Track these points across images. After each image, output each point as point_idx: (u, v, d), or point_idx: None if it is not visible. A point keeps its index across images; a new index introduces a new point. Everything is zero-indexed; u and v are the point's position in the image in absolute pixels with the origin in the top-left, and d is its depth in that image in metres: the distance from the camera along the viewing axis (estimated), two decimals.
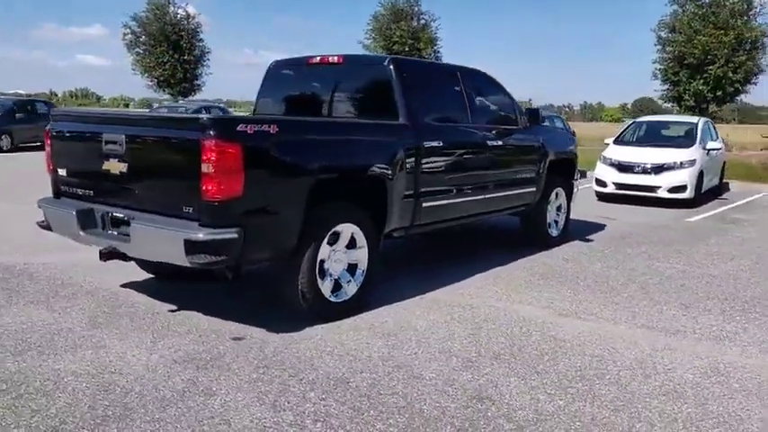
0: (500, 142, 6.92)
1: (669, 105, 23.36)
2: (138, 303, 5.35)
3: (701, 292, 6.30)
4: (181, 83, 34.06)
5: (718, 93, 21.26)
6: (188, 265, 4.33)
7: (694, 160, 12.14)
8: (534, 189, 7.64)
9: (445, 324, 5.12)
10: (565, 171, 8.29)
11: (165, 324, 4.87)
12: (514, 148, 7.23)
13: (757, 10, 20.59)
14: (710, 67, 20.24)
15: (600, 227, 9.77)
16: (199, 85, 36.10)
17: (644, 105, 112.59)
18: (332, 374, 4.08)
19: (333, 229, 4.98)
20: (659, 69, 22.43)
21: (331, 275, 5.05)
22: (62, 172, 5.20)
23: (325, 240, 4.93)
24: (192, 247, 4.25)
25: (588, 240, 8.74)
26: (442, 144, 6.00)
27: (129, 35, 33.91)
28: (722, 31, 19.91)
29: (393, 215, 5.53)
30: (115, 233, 4.83)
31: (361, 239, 5.21)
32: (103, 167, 4.77)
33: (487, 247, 8.11)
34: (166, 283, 5.87)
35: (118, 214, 4.79)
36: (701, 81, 20.63)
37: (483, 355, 4.48)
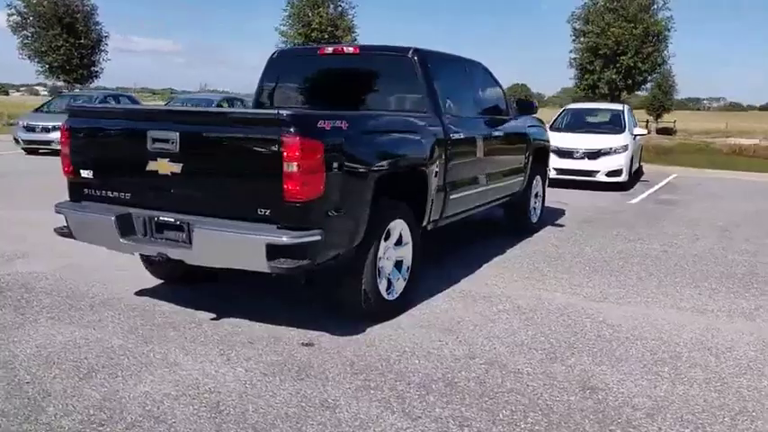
0: (500, 132, 7.02)
1: (583, 94, 24.85)
2: (170, 313, 4.98)
3: (697, 272, 6.70)
4: (77, 69, 31.62)
5: (629, 81, 23.01)
6: (266, 270, 4.09)
7: (627, 146, 12.88)
8: (523, 177, 7.83)
9: (496, 316, 5.15)
10: (542, 158, 8.55)
11: (218, 333, 4.57)
12: (510, 138, 7.36)
13: (659, 5, 22.39)
14: (623, 58, 21.79)
15: (559, 212, 10.15)
16: (96, 71, 33.81)
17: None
18: (432, 375, 4.00)
19: (387, 227, 4.86)
20: (574, 59, 23.72)
21: (385, 274, 4.94)
22: (85, 173, 4.71)
23: (382, 238, 4.82)
24: (275, 251, 4.01)
25: (559, 225, 9.07)
26: (463, 135, 6.01)
27: (15, 16, 30.97)
28: (632, 25, 21.46)
29: (431, 209, 5.48)
30: (164, 239, 4.46)
31: (406, 235, 5.13)
32: (148, 168, 4.38)
33: (472, 237, 8.20)
34: (180, 288, 5.49)
35: (167, 218, 4.42)
36: (614, 70, 22.12)
37: (558, 346, 4.55)
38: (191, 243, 4.27)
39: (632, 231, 8.80)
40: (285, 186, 3.97)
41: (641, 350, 4.51)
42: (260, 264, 4.05)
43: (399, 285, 5.09)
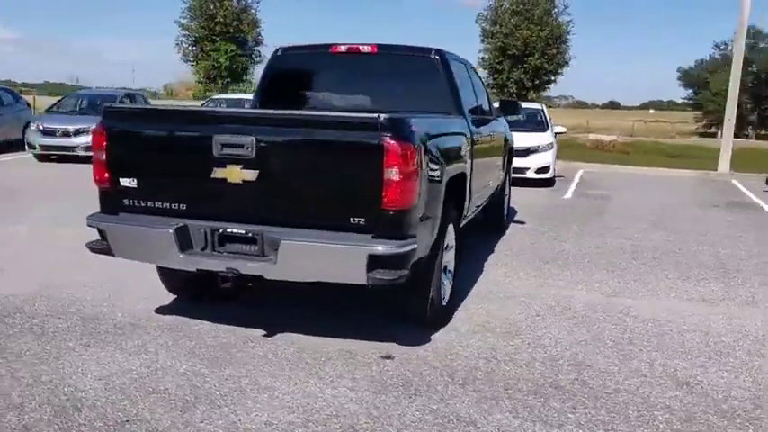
0: (494, 131, 7.12)
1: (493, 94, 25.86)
2: (216, 331, 4.61)
3: (677, 264, 7.13)
4: None
5: (536, 81, 24.16)
6: (363, 282, 3.89)
7: (552, 143, 13.47)
8: (503, 176, 7.99)
9: (539, 317, 5.21)
10: (511, 158, 8.76)
11: (286, 352, 4.30)
12: (498, 137, 7.48)
13: (560, 9, 23.69)
14: (530, 59, 22.85)
15: (511, 209, 10.44)
16: None
17: None
18: (535, 381, 4.00)
19: (446, 231, 4.79)
20: (483, 59, 24.48)
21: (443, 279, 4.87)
22: (127, 182, 4.24)
23: (446, 243, 4.74)
24: (374, 262, 3.82)
25: (520, 222, 9.33)
26: (480, 135, 6.04)
27: None
28: (539, 27, 22.58)
29: (466, 210, 5.47)
30: (230, 253, 4.11)
31: (451, 239, 5.07)
32: (214, 175, 4.01)
33: None
34: (198, 304, 5.11)
35: (236, 230, 4.08)
36: (522, 70, 23.13)
37: (621, 343, 4.69)
38: (274, 256, 3.95)
39: (589, 226, 9.21)
40: (384, 193, 3.79)
41: (694, 344, 4.74)
42: (358, 276, 3.85)
43: (447, 290, 5.03)
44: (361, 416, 3.46)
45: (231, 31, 27.81)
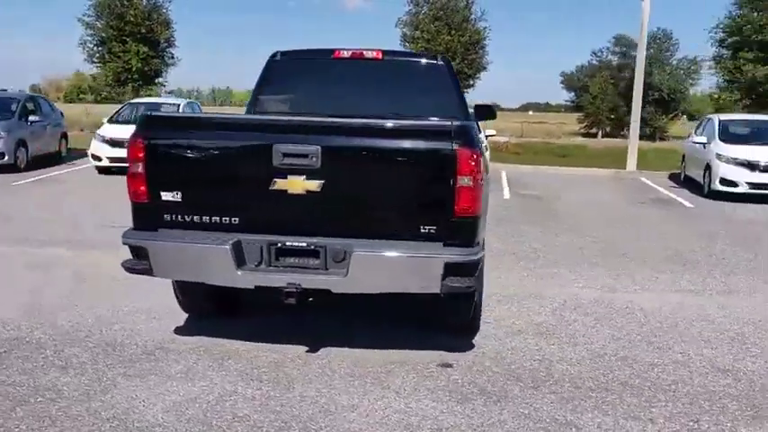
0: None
1: None
2: (257, 350, 4.41)
3: (644, 258, 7.52)
4: None
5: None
6: (436, 291, 3.85)
7: (486, 146, 13.80)
8: None
9: (560, 316, 5.34)
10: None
11: (342, 365, 4.18)
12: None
13: (477, 15, 24.33)
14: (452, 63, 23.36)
15: None
16: None
17: (221, 93, 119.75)
18: (598, 378, 4.11)
19: None
20: None
21: None
22: (169, 196, 3.95)
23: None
24: (450, 270, 3.79)
25: None
26: (484, 139, 6.14)
27: None
28: (459, 33, 23.07)
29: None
30: (289, 267, 3.93)
31: None
32: (273, 187, 3.83)
33: None
34: (212, 322, 4.86)
35: (296, 243, 3.91)
36: None
37: (648, 337, 4.90)
38: (343, 269, 3.82)
39: (544, 225, 9.56)
40: (457, 201, 3.77)
41: (710, 331, 5.04)
42: (432, 285, 3.81)
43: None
44: (464, 427, 3.42)
45: (143, 31, 26.41)
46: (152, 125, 3.94)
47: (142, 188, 3.96)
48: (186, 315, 4.95)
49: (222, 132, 3.96)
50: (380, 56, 5.75)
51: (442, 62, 5.68)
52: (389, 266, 3.82)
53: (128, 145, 4.00)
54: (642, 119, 16.19)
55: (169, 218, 3.97)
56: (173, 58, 29.49)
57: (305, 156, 3.77)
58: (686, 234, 9.14)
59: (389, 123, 3.92)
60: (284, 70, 5.85)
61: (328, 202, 3.83)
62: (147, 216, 4.01)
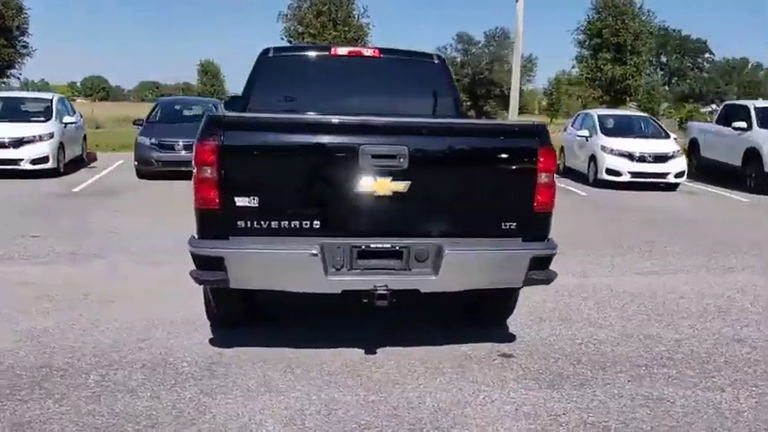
0: None
1: None
2: (323, 356, 4.30)
3: (595, 244, 8.13)
4: None
5: None
6: (518, 285, 4.02)
7: (53, 133, 13.34)
8: None
9: (571, 301, 5.65)
10: None
11: (420, 365, 4.20)
12: None
13: (360, 12, 24.23)
14: None
15: None
16: None
17: (95, 83, 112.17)
18: (648, 357, 4.46)
19: None
20: None
21: None
22: (245, 201, 3.75)
23: None
24: (533, 264, 3.97)
25: None
26: None
27: None
28: (346, 29, 22.89)
29: None
30: (373, 269, 3.90)
31: None
32: (358, 189, 3.78)
33: None
34: (238, 330, 4.69)
35: (381, 245, 3.89)
36: None
37: (664, 315, 5.36)
38: (431, 268, 3.86)
39: None
40: (537, 197, 3.94)
41: (695, 307, 5.62)
42: (518, 279, 3.96)
43: None
44: (577, 411, 3.60)
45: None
46: (223, 126, 3.71)
47: (212, 194, 3.72)
48: (207, 326, 4.72)
49: (304, 134, 3.82)
50: (378, 53, 5.75)
51: (438, 60, 5.79)
52: (481, 264, 3.91)
53: (195, 148, 3.73)
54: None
55: (243, 224, 3.77)
56: (27, 47, 26.71)
57: (393, 157, 3.75)
58: (602, 220, 9.96)
59: (476, 123, 4.00)
60: (278, 67, 5.66)
61: (413, 202, 3.83)
62: (218, 223, 3.78)
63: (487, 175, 3.95)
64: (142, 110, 17.16)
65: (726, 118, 15.37)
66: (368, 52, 5.74)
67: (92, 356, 4.22)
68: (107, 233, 8.02)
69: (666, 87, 72.27)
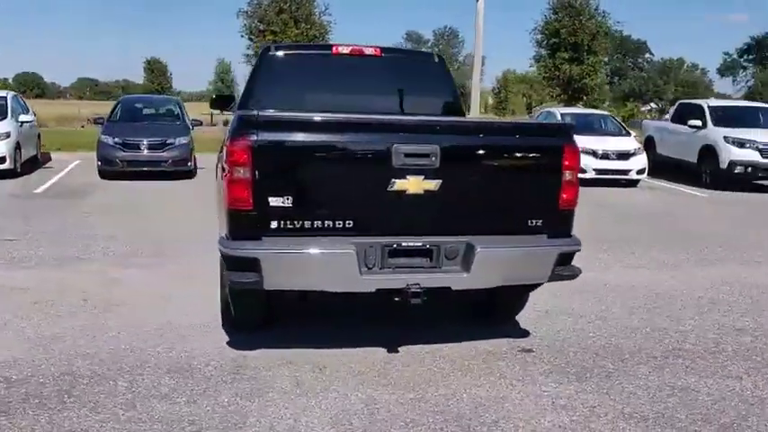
0: None
1: None
2: (350, 356, 4.30)
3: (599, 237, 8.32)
4: None
5: None
6: (544, 281, 4.11)
7: (9, 132, 12.97)
8: None
9: (575, 296, 5.67)
10: None
11: (460, 365, 4.25)
12: None
13: (322, 9, 24.09)
14: None
15: None
16: None
17: (28, 80, 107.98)
18: (665, 348, 4.62)
19: None
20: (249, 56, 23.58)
21: None
22: (279, 201, 3.72)
23: None
24: (561, 260, 4.07)
25: None
26: None
27: None
28: (308, 26, 22.76)
29: None
30: (404, 268, 3.92)
31: None
32: (392, 188, 3.80)
33: None
34: (260, 334, 4.66)
35: (412, 243, 3.92)
36: None
37: (658, 308, 5.55)
38: (462, 266, 3.91)
39: None
40: (562, 195, 4.04)
41: (690, 300, 5.84)
42: (545, 274, 4.05)
43: None
44: (611, 402, 3.71)
45: None
46: (258, 126, 3.66)
47: (246, 194, 3.68)
48: (219, 329, 4.67)
49: (339, 133, 3.82)
50: (379, 52, 5.77)
51: (438, 59, 5.85)
52: (511, 261, 3.98)
53: (227, 148, 3.68)
54: None
55: (277, 225, 3.74)
56: None
57: (425, 155, 3.78)
58: (577, 216, 10.17)
59: (505, 122, 4.06)
60: (280, 65, 5.62)
61: (444, 200, 3.87)
62: (251, 224, 3.74)
63: (515, 174, 4.03)
64: (85, 108, 16.54)
65: (680, 116, 15.95)
66: (368, 51, 5.73)
67: (111, 363, 4.10)
68: (86, 236, 7.78)
69: (608, 86, 74.37)
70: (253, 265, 3.67)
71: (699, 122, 14.73)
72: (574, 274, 4.12)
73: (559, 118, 15.31)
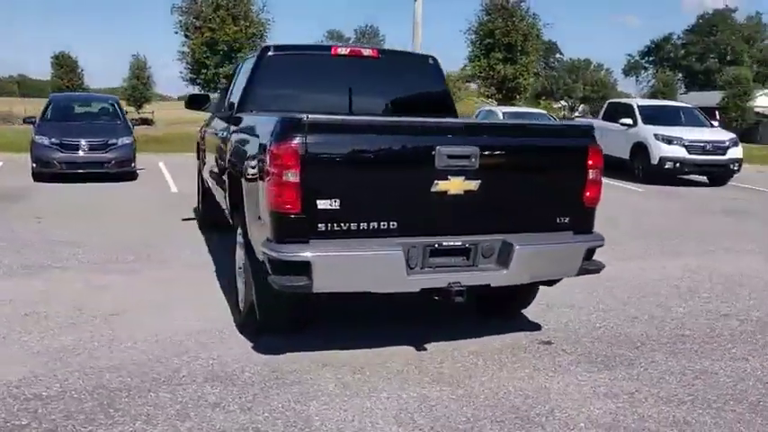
0: None
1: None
2: (388, 355, 4.34)
3: None
4: None
5: None
6: (572, 276, 4.29)
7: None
8: None
9: (568, 291, 5.73)
10: None
11: (493, 359, 4.35)
12: None
13: (259, 7, 23.40)
14: (240, 54, 22.53)
15: None
16: None
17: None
18: (669, 336, 4.91)
19: None
20: (184, 53, 22.41)
21: None
22: (327, 204, 3.72)
23: None
24: (588, 255, 4.27)
25: None
26: None
27: None
28: (247, 24, 22.13)
29: None
30: (444, 267, 4.01)
31: None
32: (435, 188, 3.87)
33: None
34: (278, 338, 4.64)
35: (452, 243, 4.00)
36: (230, 67, 22.52)
37: (648, 297, 5.86)
38: (500, 263, 4.02)
39: None
40: (587, 193, 4.23)
41: (671, 289, 6.20)
42: (573, 269, 4.22)
43: None
44: (647, 389, 3.91)
45: None
46: (305, 129, 3.63)
47: (294, 197, 3.65)
48: (234, 335, 4.63)
49: (385, 135, 3.84)
50: (377, 54, 5.82)
51: (432, 61, 5.95)
52: (547, 257, 4.13)
53: (273, 151, 3.64)
54: None
55: (323, 227, 3.73)
56: None
57: (467, 157, 3.86)
58: None
59: (537, 124, 4.19)
60: (276, 65, 5.56)
61: (481, 200, 3.97)
62: (299, 227, 3.71)
63: (545, 173, 4.18)
64: None
65: (611, 115, 16.77)
66: (366, 52, 5.77)
67: (141, 374, 3.96)
68: (47, 242, 7.41)
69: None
70: (304, 268, 3.65)
71: (630, 121, 15.54)
72: (599, 267, 4.31)
73: (501, 116, 15.77)
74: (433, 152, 3.79)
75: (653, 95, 47.43)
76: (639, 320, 5.21)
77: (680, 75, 69.70)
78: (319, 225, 3.71)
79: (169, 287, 5.78)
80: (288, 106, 5.45)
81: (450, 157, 3.82)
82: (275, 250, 3.67)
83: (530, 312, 5.23)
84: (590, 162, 4.16)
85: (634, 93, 73.08)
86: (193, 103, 7.07)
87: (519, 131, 4.19)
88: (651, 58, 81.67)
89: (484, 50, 24.04)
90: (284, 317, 4.41)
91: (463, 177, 3.86)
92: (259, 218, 3.96)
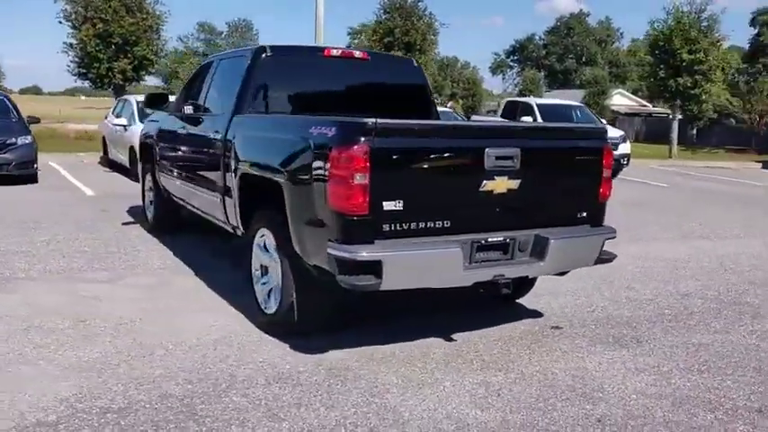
0: None
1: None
2: (432, 346, 4.56)
3: None
4: None
5: (142, 72, 22.10)
6: (590, 265, 4.73)
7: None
8: None
9: (555, 278, 6.47)
10: None
11: (520, 344, 4.67)
12: None
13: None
14: (136, 48, 20.81)
15: None
16: None
17: None
18: (675, 315, 5.49)
19: None
20: (72, 45, 20.33)
21: None
22: (392, 205, 3.89)
23: None
24: (604, 246, 4.72)
25: None
26: None
27: None
28: (141, 15, 20.69)
29: None
30: (489, 261, 4.31)
31: None
32: (483, 188, 4.16)
33: None
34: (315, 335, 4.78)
35: (495, 238, 4.31)
36: (126, 61, 20.75)
37: (643, 278, 6.46)
38: (535, 256, 4.37)
39: None
40: (601, 190, 4.69)
41: (663, 270, 6.85)
42: (592, 259, 4.66)
43: None
44: (666, 363, 4.41)
45: None
46: (373, 132, 3.77)
47: (362, 199, 3.79)
48: (268, 336, 4.65)
49: (444, 137, 4.07)
50: (367, 56, 6.01)
51: (416, 64, 6.23)
52: (576, 249, 4.53)
53: (342, 154, 3.76)
54: None
55: (388, 227, 3.90)
56: None
57: (510, 158, 4.18)
58: None
59: (567, 126, 4.57)
60: (270, 66, 5.59)
61: (519, 198, 4.30)
62: (366, 228, 3.85)
63: (571, 171, 4.58)
64: None
65: (510, 113, 17.82)
66: (357, 54, 5.94)
67: (200, 380, 3.92)
68: None
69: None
70: (374, 267, 3.79)
71: (530, 118, 16.60)
72: (611, 257, 4.77)
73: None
74: (484, 153, 4.06)
75: (522, 93, 50.19)
76: (634, 303, 5.74)
77: (543, 73, 74.15)
78: (384, 226, 3.87)
79: (162, 294, 5.65)
80: (288, 106, 5.54)
81: (497, 158, 4.10)
82: (347, 251, 3.78)
83: (529, 301, 5.61)
84: (604, 161, 4.60)
85: (500, 90, 76.93)
86: (153, 103, 6.99)
87: (552, 133, 4.60)
88: (516, 57, 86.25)
89: (383, 48, 24.46)
90: (324, 317, 4.50)
91: (506, 177, 4.17)
92: (312, 221, 4.03)
